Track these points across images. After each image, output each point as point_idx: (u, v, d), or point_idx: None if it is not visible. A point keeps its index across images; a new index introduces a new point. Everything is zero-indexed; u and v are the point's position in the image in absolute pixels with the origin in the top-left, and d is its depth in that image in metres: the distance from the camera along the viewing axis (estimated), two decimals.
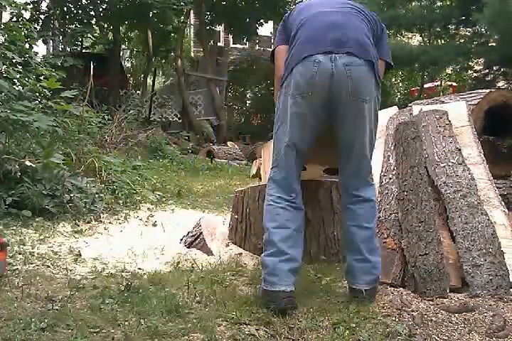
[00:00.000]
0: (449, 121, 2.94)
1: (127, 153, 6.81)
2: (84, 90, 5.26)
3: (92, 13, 11.47)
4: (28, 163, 3.37)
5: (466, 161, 2.71)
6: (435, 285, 2.15)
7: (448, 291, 2.16)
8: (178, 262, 2.61)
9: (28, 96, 4.20)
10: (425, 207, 2.43)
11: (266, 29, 15.91)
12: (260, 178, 5.43)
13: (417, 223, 2.37)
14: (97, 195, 3.81)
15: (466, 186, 2.53)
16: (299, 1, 15.43)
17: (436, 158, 2.72)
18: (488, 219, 2.38)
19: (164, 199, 4.67)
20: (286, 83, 2.02)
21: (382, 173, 2.82)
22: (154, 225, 3.57)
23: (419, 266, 2.21)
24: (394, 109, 3.50)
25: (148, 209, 4.18)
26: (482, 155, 2.83)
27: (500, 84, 10.65)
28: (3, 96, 3.87)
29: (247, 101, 17.20)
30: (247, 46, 16.97)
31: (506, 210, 2.59)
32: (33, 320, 1.69)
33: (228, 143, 11.91)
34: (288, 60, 2.04)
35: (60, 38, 11.53)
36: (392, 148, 2.85)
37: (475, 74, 11.89)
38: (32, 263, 2.43)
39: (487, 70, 10.85)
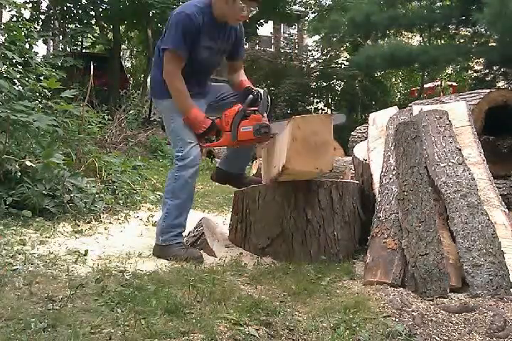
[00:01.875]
0: (449, 121, 2.94)
1: (127, 153, 6.82)
2: (85, 90, 5.27)
3: (92, 13, 11.47)
4: (28, 163, 3.37)
5: (466, 161, 2.71)
6: (435, 285, 2.15)
7: (448, 291, 2.16)
8: (179, 262, 2.61)
9: (28, 96, 4.19)
10: (425, 207, 2.43)
11: (266, 29, 15.91)
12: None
13: (417, 223, 2.37)
14: (97, 195, 3.81)
15: (466, 186, 2.53)
16: (299, 1, 15.44)
17: (436, 158, 2.72)
18: (489, 219, 2.38)
19: None
20: None
21: (383, 173, 2.81)
22: (154, 225, 3.56)
23: (419, 266, 2.21)
24: (394, 109, 3.50)
25: (148, 209, 4.18)
26: (482, 155, 2.83)
27: (500, 84, 10.65)
28: (4, 96, 3.87)
29: None
30: (247, 46, 16.96)
31: (506, 210, 2.59)
32: (33, 320, 1.69)
33: None
34: None
35: (60, 37, 11.52)
36: (392, 148, 2.85)
37: (475, 74, 11.90)
38: (32, 264, 2.43)
39: (487, 70, 10.85)
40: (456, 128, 2.94)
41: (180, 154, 2.69)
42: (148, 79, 2.68)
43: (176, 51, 2.60)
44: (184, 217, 2.75)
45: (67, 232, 3.14)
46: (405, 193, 2.52)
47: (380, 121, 3.39)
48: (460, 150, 2.76)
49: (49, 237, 2.98)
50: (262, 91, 2.75)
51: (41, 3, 11.33)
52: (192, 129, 2.69)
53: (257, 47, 16.80)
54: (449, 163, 2.67)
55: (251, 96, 2.69)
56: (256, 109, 2.69)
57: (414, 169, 2.61)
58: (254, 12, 2.76)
